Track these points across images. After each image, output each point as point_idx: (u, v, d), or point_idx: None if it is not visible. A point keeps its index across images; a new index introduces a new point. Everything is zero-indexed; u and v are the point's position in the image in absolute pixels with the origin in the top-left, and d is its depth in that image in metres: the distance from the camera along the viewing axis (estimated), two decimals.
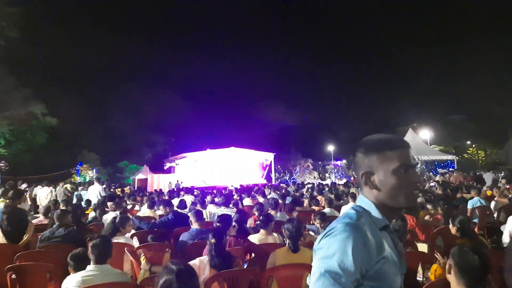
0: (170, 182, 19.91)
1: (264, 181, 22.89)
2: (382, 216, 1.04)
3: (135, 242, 3.86)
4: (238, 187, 15.14)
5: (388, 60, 56.09)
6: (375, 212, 1.04)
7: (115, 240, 3.58)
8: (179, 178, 20.53)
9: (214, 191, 11.06)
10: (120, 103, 34.66)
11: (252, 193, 9.84)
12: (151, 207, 6.61)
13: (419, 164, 18.16)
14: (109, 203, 6.52)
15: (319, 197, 7.85)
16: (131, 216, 4.33)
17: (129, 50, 44.98)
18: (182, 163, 22.67)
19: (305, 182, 18.77)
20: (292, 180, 24.93)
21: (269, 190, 10.42)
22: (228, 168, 22.66)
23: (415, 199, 1.04)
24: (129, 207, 7.65)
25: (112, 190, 15.17)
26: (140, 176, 22.52)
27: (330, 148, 31.70)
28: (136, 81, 40.81)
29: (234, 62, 56.10)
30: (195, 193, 10.86)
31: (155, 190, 14.39)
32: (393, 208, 1.05)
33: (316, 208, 6.84)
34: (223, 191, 11.38)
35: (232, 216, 4.28)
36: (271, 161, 23.78)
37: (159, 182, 21.01)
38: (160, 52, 50.78)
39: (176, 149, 30.39)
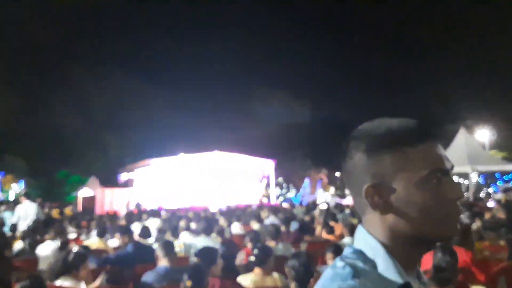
0: (128, 201, 19.87)
1: (260, 200, 22.99)
2: (398, 269, 0.84)
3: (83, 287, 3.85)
4: (224, 208, 15.14)
5: (433, 41, 56.52)
6: (385, 264, 0.85)
7: (58, 283, 3.56)
8: (141, 194, 20.47)
9: (190, 214, 11.07)
10: (59, 91, 34.61)
11: (244, 216, 9.87)
12: (101, 235, 6.60)
13: (474, 177, 18.23)
14: (46, 230, 6.50)
15: (332, 223, 7.87)
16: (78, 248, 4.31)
17: (74, 19, 44.77)
18: (145, 173, 22.63)
19: (318, 201, 18.86)
20: (299, 199, 25.08)
21: (267, 213, 10.45)
22: (210, 180, 22.69)
23: (456, 226, 0.88)
24: (71, 236, 7.63)
25: (47, 210, 15.09)
26: (86, 191, 22.47)
27: None
28: (81, 62, 40.43)
29: (219, 35, 56.07)
30: (163, 216, 10.85)
31: (107, 212, 14.29)
32: (422, 243, 0.87)
33: (332, 237, 6.88)
34: (203, 213, 11.39)
35: (216, 249, 4.29)
36: (269, 172, 23.91)
37: (112, 200, 20.97)
38: (117, 19, 50.50)
39: (137, 153, 30.32)
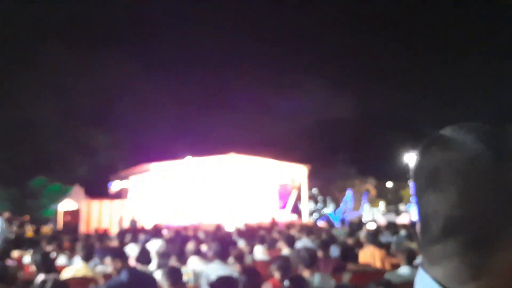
0: (121, 216, 20.14)
1: (291, 217, 22.98)
2: None
3: None
4: (243, 226, 15.19)
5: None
6: None
7: None
8: (137, 208, 20.72)
9: (200, 234, 11.12)
10: (34, 76, 35.08)
11: (269, 238, 9.87)
12: (88, 259, 6.68)
13: None
14: (15, 251, 6.63)
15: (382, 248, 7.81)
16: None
17: None
18: (143, 181, 22.87)
19: (364, 219, 18.74)
20: (339, 216, 25.16)
21: (298, 233, 10.42)
22: (224, 190, 23.00)
23: None
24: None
25: (20, 228, 15.37)
26: (68, 204, 22.81)
27: (410, 158, 31.58)
28: (63, 42, 40.84)
29: (235, 9, 56.18)
30: (165, 236, 10.94)
31: (95, 230, 14.46)
32: None
33: (382, 265, 6.83)
34: (216, 232, 11.43)
35: (235, 278, 4.30)
36: (301, 181, 23.86)
37: (101, 215, 21.31)
38: None
39: (132, 157, 30.56)
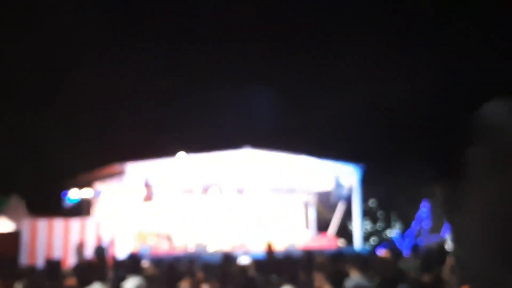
0: (81, 240, 20.25)
1: (336, 242, 23.32)
2: None
3: None
4: (263, 254, 15.25)
5: None
6: None
7: None
8: (106, 228, 20.87)
9: (199, 267, 11.14)
10: None
11: (305, 273, 9.82)
12: None
13: None
14: None
15: None
16: None
17: None
18: (114, 189, 23.03)
19: (447, 246, 18.60)
20: (411, 241, 25.32)
21: (348, 268, 10.38)
22: (235, 202, 23.72)
23: None
24: None
25: None
26: (1, 224, 22.91)
27: None
28: None
29: None
30: (147, 270, 10.95)
31: (46, 261, 14.51)
32: None
33: None
34: (224, 266, 11.45)
35: None
36: (351, 188, 23.89)
37: (51, 239, 21.40)
38: None
39: (99, 154, 30.78)
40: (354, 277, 9.43)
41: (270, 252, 17.13)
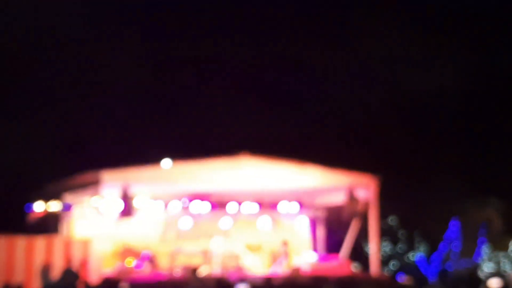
0: (47, 263, 19.97)
1: (349, 267, 23.28)
2: None
3: None
4: (261, 278, 15.19)
5: None
6: None
7: None
8: (77, 248, 20.60)
9: None
10: None
11: None
12: None
13: None
14: None
15: None
16: None
17: None
18: (87, 201, 22.83)
19: (482, 272, 18.43)
20: (438, 265, 25.14)
21: None
22: (229, 216, 24.20)
23: None
24: None
25: None
26: None
27: None
28: None
29: None
30: None
31: (7, 286, 14.25)
32: None
33: None
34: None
35: None
36: (366, 202, 24.00)
37: (12, 261, 21.13)
38: None
39: (69, 161, 30.66)
40: None
41: (270, 279, 17.05)
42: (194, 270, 20.89)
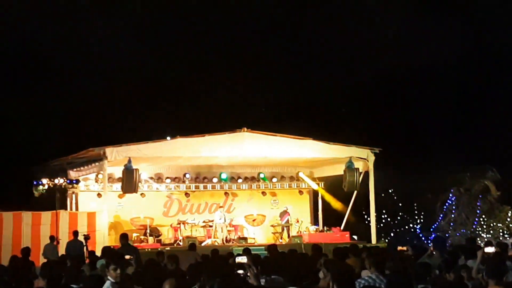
0: (52, 235, 20.15)
1: (345, 237, 23.61)
2: None
3: None
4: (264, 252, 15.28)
5: None
6: None
7: None
8: (83, 221, 20.83)
9: (186, 261, 11.12)
10: None
11: (311, 273, 9.84)
12: None
13: None
14: None
15: None
16: None
17: None
18: (91, 177, 22.95)
19: (478, 241, 18.51)
20: (435, 235, 25.61)
21: (360, 266, 10.43)
22: (232, 192, 24.22)
23: None
24: None
25: None
26: None
27: None
28: None
29: None
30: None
31: (11, 260, 14.49)
32: None
33: None
34: (215, 260, 11.47)
35: None
36: (364, 175, 24.15)
37: (19, 233, 21.30)
38: None
39: (71, 138, 30.71)
40: (365, 276, 9.40)
41: (272, 247, 17.01)
42: (195, 243, 21.06)
